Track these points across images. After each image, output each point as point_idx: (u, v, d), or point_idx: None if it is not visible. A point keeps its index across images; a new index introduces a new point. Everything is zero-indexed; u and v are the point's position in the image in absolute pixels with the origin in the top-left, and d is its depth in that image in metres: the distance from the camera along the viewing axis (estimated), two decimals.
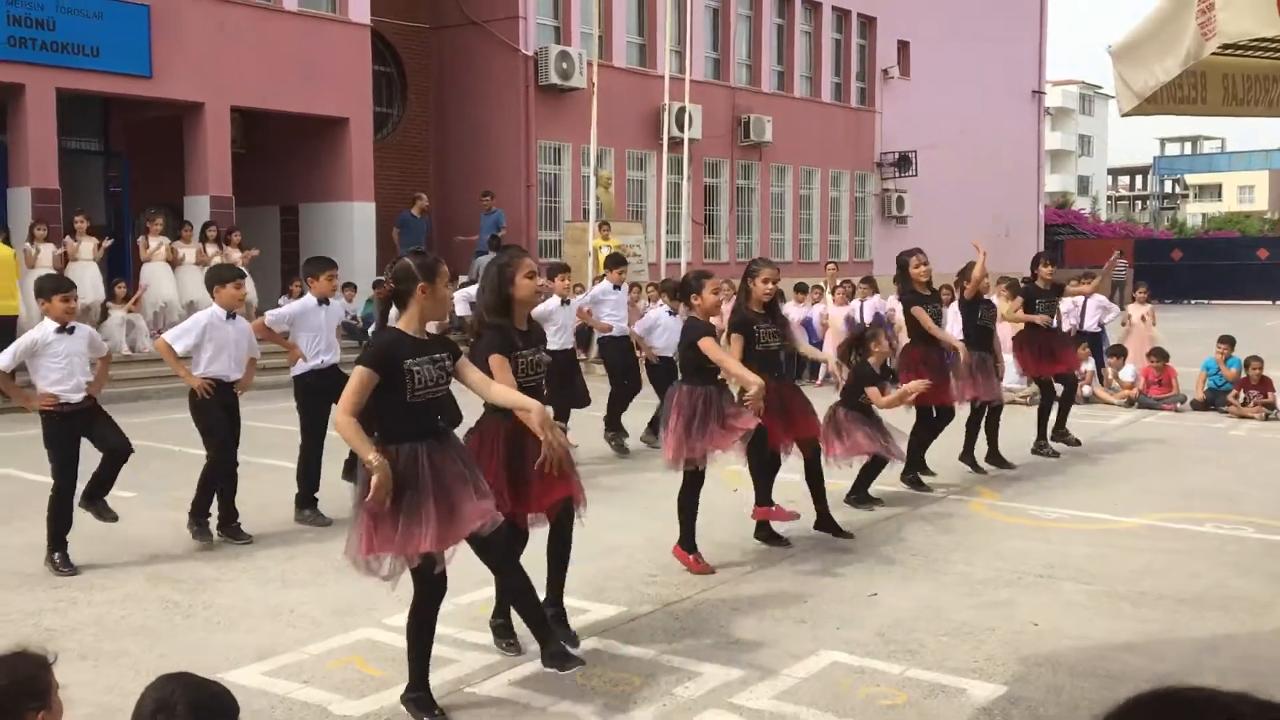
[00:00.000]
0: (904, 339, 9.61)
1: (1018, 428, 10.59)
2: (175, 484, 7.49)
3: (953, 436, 9.30)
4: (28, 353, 6.64)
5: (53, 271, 14.60)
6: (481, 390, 4.73)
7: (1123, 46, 5.43)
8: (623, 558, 6.81)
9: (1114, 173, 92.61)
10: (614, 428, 10.56)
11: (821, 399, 8.49)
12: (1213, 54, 5.48)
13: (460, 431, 5.07)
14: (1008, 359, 10.51)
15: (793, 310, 16.58)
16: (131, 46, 16.14)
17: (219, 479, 7.25)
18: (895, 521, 7.81)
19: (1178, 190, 77.00)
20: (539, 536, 5.34)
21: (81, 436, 6.75)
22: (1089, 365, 14.19)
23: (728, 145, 25.80)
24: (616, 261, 11.10)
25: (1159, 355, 13.83)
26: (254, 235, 17.93)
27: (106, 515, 6.88)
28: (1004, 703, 4.73)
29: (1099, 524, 7.84)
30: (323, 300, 7.93)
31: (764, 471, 6.79)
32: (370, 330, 5.07)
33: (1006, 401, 10.21)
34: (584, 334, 12.80)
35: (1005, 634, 5.54)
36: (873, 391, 7.82)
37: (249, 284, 16.38)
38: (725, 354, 6.56)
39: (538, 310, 9.31)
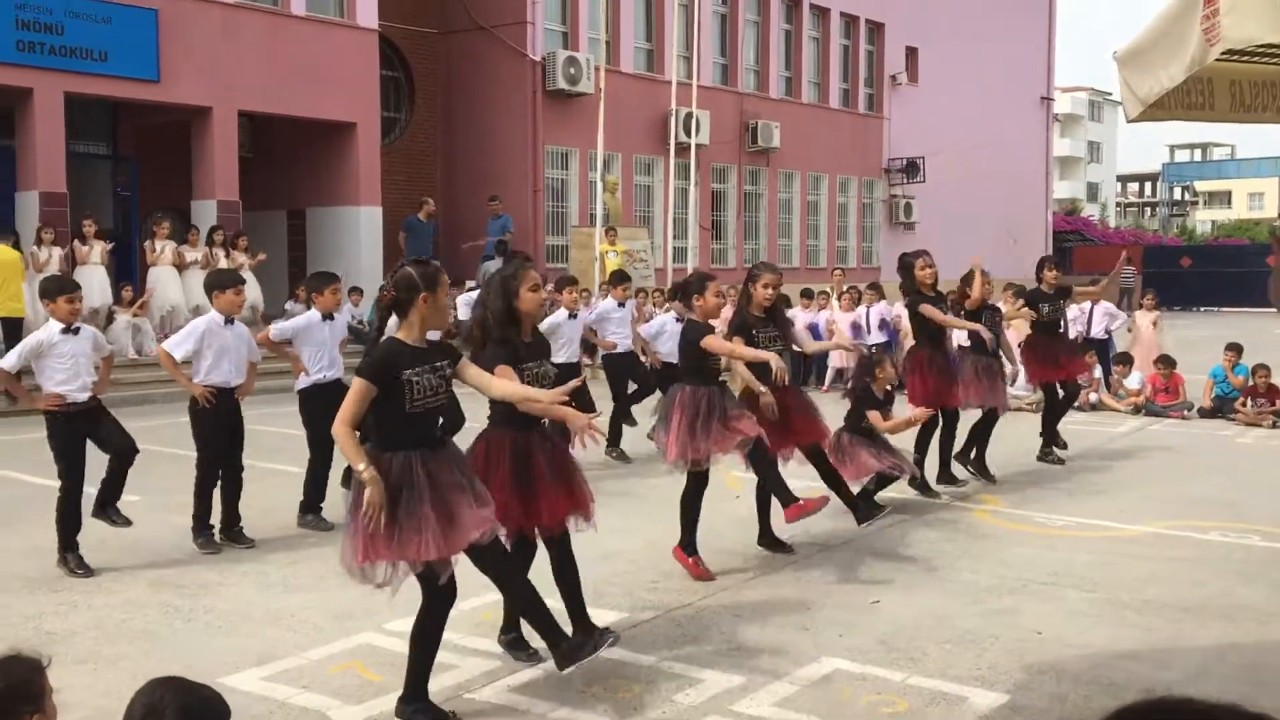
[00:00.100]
0: (909, 344, 9.59)
1: (1023, 434, 10.56)
2: (180, 488, 7.48)
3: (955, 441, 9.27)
4: (33, 353, 6.65)
5: (57, 273, 14.68)
6: (484, 388, 4.71)
7: (1128, 52, 5.42)
8: (623, 563, 6.79)
9: (1123, 179, 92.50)
10: (615, 444, 10.56)
11: (828, 404, 8.47)
12: (1220, 60, 5.47)
13: (464, 435, 5.06)
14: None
15: (799, 316, 16.57)
16: (139, 51, 16.19)
17: (213, 486, 7.25)
18: (900, 528, 7.78)
19: (1187, 197, 76.80)
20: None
21: (86, 438, 6.75)
22: (1095, 373, 14.15)
23: (735, 151, 25.79)
24: (620, 279, 11.11)
25: (1166, 363, 13.78)
26: (261, 240, 17.95)
27: (119, 521, 6.90)
28: (1006, 711, 4.71)
29: (1104, 532, 7.80)
30: (327, 315, 7.90)
31: (774, 476, 6.67)
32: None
33: (1013, 409, 10.16)
34: (588, 342, 12.76)
35: (1008, 642, 5.51)
36: (874, 415, 7.88)
37: (255, 288, 16.59)
38: (731, 343, 6.49)
39: (544, 324, 9.36)
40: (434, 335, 4.76)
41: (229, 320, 7.29)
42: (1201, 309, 37.62)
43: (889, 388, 8.10)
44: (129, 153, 19.32)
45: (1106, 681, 5.06)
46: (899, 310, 13.28)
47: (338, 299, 8.05)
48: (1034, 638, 5.58)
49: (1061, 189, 69.98)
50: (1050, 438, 10.38)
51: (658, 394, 11.20)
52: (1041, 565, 6.85)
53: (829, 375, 16.24)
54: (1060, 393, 10.47)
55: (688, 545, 6.60)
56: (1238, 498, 8.90)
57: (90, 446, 6.83)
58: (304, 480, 7.94)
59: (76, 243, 15.19)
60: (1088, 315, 14.83)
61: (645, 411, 10.89)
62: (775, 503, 6.93)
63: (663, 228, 22.57)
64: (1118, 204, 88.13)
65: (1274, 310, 34.00)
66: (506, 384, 4.74)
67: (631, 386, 11.11)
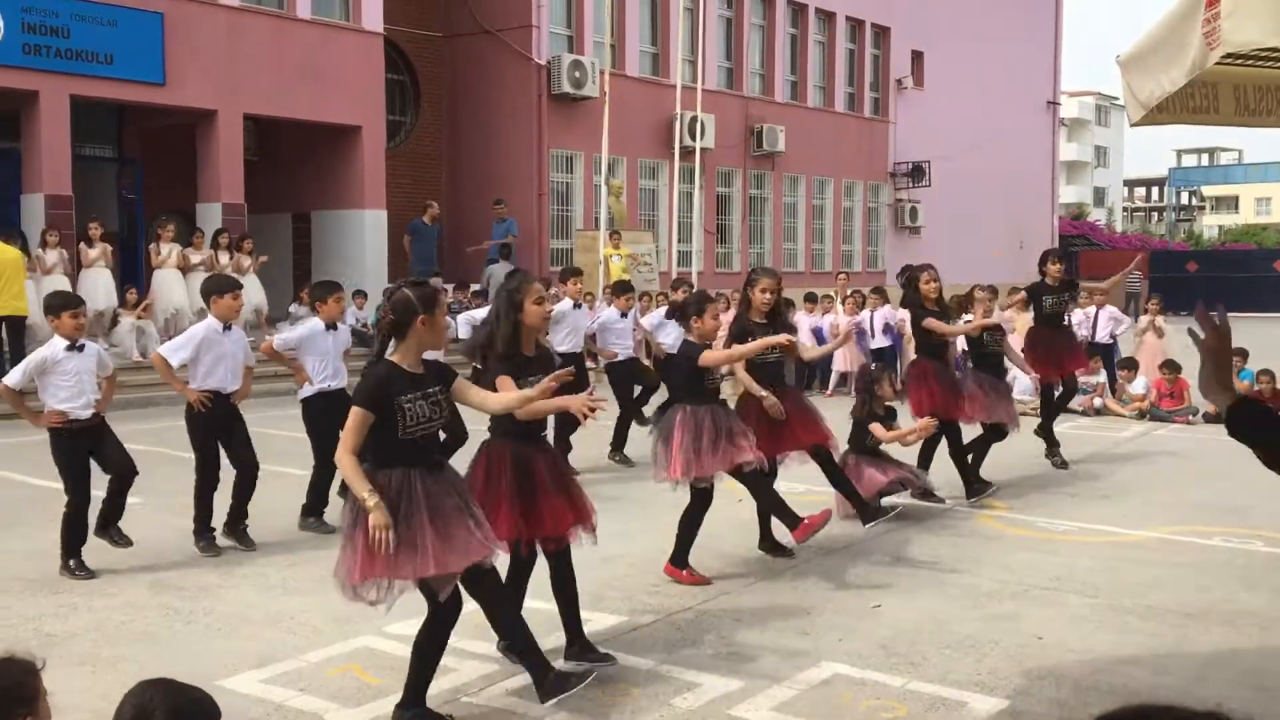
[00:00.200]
0: (911, 352, 9.57)
1: (1025, 439, 10.50)
2: (182, 490, 7.48)
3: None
4: (38, 370, 6.64)
5: (65, 283, 14.71)
6: (484, 406, 4.71)
7: (1131, 56, 5.41)
8: (624, 567, 6.78)
9: (1130, 184, 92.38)
10: (619, 448, 10.56)
11: (832, 409, 8.47)
12: (1224, 64, 5.45)
13: (467, 448, 5.05)
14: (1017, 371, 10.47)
15: (803, 320, 16.55)
16: (145, 54, 16.23)
17: (213, 489, 7.24)
18: (901, 533, 7.76)
19: (1194, 202, 76.71)
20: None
21: (89, 453, 6.74)
22: (1100, 377, 14.12)
23: (740, 155, 25.79)
24: (623, 289, 11.10)
25: (1171, 367, 13.75)
26: (266, 243, 17.99)
27: (121, 541, 6.86)
28: (1006, 716, 4.69)
29: (1107, 537, 7.78)
30: (330, 325, 7.89)
31: (774, 500, 6.65)
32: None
33: (1018, 413, 10.10)
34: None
35: (1009, 647, 5.50)
36: (876, 428, 7.95)
37: (259, 291, 16.62)
38: (728, 350, 6.47)
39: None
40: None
41: (227, 326, 7.28)
42: None
43: (888, 405, 8.12)
44: (134, 155, 19.36)
45: (1107, 687, 5.04)
46: (904, 314, 13.25)
47: (341, 308, 8.05)
48: (1035, 643, 5.56)
49: (1068, 193, 69.86)
50: (1048, 436, 10.36)
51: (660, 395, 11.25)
52: (1044, 570, 6.83)
53: (833, 379, 16.23)
54: (1059, 390, 10.46)
55: (678, 560, 6.55)
56: (1242, 503, 8.86)
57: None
58: (307, 486, 7.96)
59: (82, 245, 15.21)
60: (1093, 320, 14.81)
61: (649, 411, 10.95)
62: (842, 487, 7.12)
63: (667, 231, 22.56)
64: (1124, 209, 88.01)
65: None
66: (503, 396, 4.74)
67: (635, 391, 11.10)
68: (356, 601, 4.47)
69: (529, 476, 4.99)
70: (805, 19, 27.66)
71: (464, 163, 22.61)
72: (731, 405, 6.72)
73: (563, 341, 9.99)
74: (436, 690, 4.82)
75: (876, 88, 30.09)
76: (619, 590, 6.34)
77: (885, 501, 7.98)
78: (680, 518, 6.56)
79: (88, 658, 5.32)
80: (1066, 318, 10.62)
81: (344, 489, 7.37)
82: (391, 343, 4.49)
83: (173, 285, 15.81)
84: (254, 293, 16.39)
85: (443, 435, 5.45)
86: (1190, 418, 13.33)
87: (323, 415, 7.63)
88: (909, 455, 8.64)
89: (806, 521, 6.48)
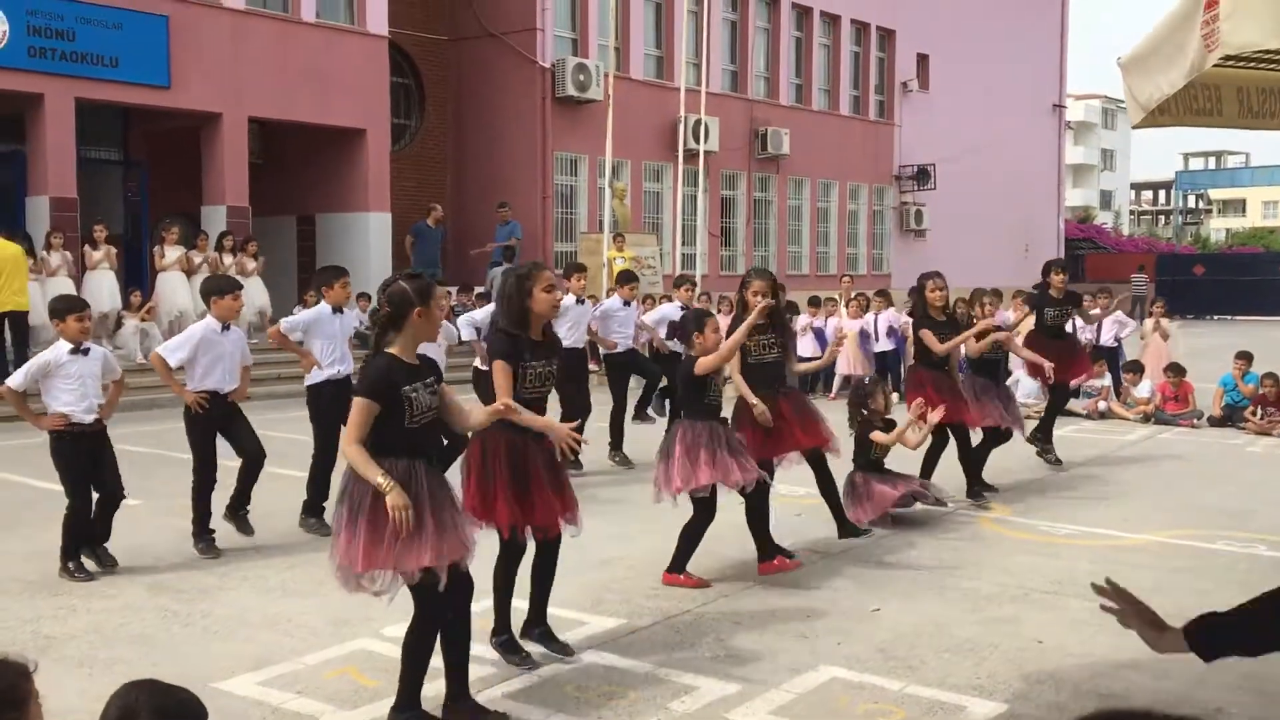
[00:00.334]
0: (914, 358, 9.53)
1: (1020, 441, 10.46)
2: (182, 492, 7.47)
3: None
4: (41, 372, 6.63)
5: (69, 284, 14.72)
6: (461, 420, 4.72)
7: (1131, 58, 5.40)
8: (623, 569, 6.76)
9: (1136, 187, 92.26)
10: (618, 447, 10.55)
11: (836, 412, 8.45)
12: (1227, 66, 5.44)
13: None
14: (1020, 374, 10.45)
15: (806, 322, 16.53)
16: (150, 57, 16.26)
17: (210, 490, 7.24)
18: (902, 536, 7.74)
19: (1201, 205, 76.54)
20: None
21: (88, 458, 6.73)
22: (1105, 380, 14.09)
23: (745, 158, 25.79)
24: (628, 278, 11.07)
25: (1175, 371, 13.71)
26: (271, 245, 18.01)
27: (106, 561, 6.80)
28: None
29: (1109, 540, 7.76)
30: (337, 309, 7.92)
31: (761, 528, 6.78)
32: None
33: (1021, 414, 10.07)
34: (593, 345, 12.78)
35: (1008, 651, 5.48)
36: (877, 435, 7.91)
37: (263, 293, 16.63)
38: (719, 352, 6.41)
39: None
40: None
41: (225, 326, 7.28)
42: (1214, 317, 37.44)
43: (887, 418, 8.09)
44: (139, 158, 19.40)
45: (1106, 691, 5.02)
46: (907, 318, 13.24)
47: (347, 292, 8.04)
48: (1034, 646, 5.54)
49: (1075, 197, 69.78)
50: (1046, 435, 10.35)
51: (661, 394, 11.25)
52: (1044, 574, 6.81)
53: (836, 382, 16.20)
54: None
55: (676, 568, 6.53)
56: (1245, 507, 8.83)
57: None
58: (306, 480, 7.92)
59: (86, 247, 15.24)
60: (1097, 323, 14.77)
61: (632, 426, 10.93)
62: (773, 505, 7.02)
63: (672, 234, 22.54)
64: (1131, 212, 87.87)
65: None
66: (479, 412, 4.74)
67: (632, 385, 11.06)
68: (359, 592, 4.46)
69: (524, 467, 5.00)
70: (810, 22, 27.65)
71: (468, 166, 22.63)
72: (729, 409, 6.72)
73: (565, 337, 9.99)
74: (434, 692, 4.81)
75: (881, 90, 30.07)
76: (617, 593, 6.33)
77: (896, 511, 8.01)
78: (682, 529, 6.54)
79: (85, 659, 5.32)
80: (1071, 325, 10.59)
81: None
82: (388, 335, 4.49)
83: (177, 288, 15.82)
84: (258, 295, 16.41)
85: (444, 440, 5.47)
86: (1195, 421, 13.29)
87: (331, 404, 7.60)
88: (912, 464, 8.58)
89: (776, 563, 6.75)
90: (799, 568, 6.81)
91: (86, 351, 6.71)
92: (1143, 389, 13.90)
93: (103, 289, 15.11)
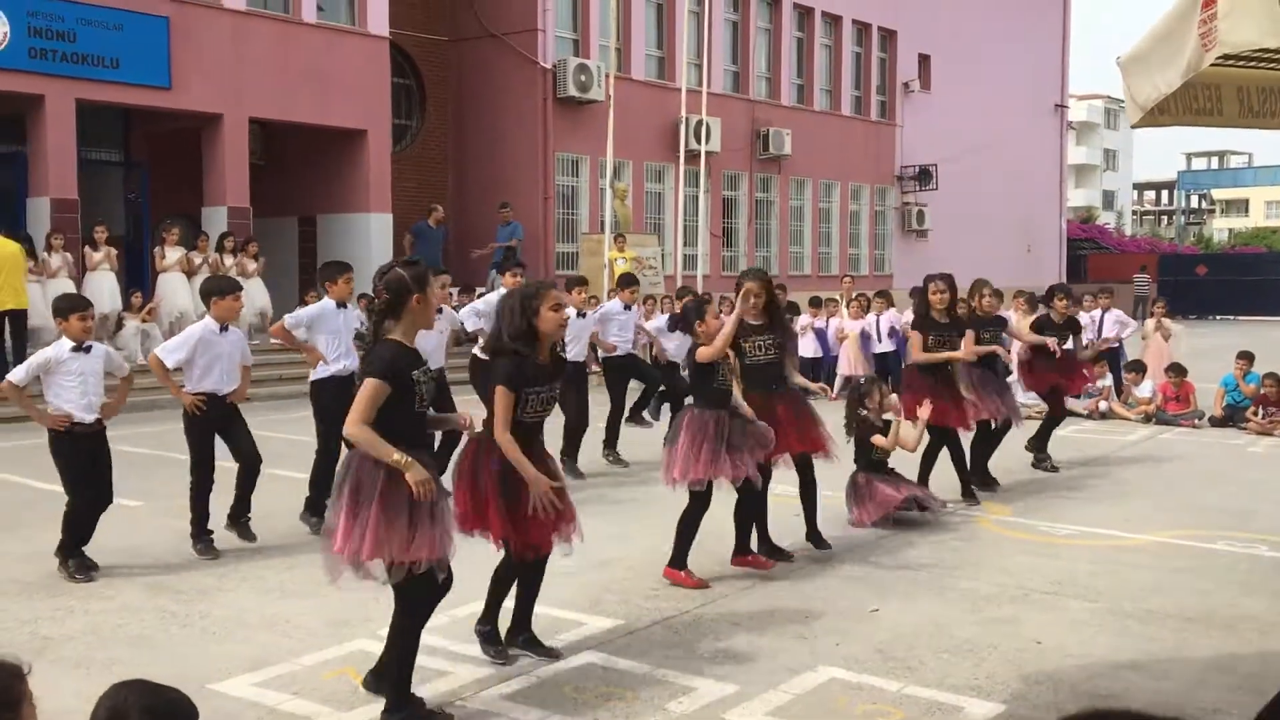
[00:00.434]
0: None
1: (1025, 442, 10.46)
2: (181, 493, 7.46)
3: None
4: (42, 369, 6.63)
5: (69, 285, 14.72)
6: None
7: (1130, 58, 5.38)
8: (622, 570, 6.75)
9: (1139, 187, 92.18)
10: (613, 447, 10.55)
11: (835, 411, 8.43)
12: (1227, 66, 5.43)
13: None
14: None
15: (807, 322, 16.53)
16: (151, 58, 16.26)
17: (209, 491, 7.23)
18: (902, 536, 7.73)
19: (1204, 205, 76.42)
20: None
21: (88, 456, 6.72)
22: (1106, 381, 14.07)
23: (746, 158, 25.77)
24: (628, 281, 11.08)
25: (1177, 371, 13.69)
26: (272, 246, 18.00)
27: (87, 565, 6.70)
28: None
29: (1109, 541, 7.74)
30: (340, 304, 7.91)
31: (743, 524, 6.81)
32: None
33: (1023, 416, 10.05)
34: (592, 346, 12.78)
35: (1007, 651, 5.46)
36: (877, 439, 7.91)
37: (264, 294, 16.63)
38: (716, 343, 6.39)
39: None
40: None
41: (224, 327, 7.26)
42: (1217, 317, 37.41)
43: (886, 418, 8.06)
44: (140, 159, 19.39)
45: (1105, 692, 5.01)
46: (909, 317, 13.22)
47: (350, 288, 8.02)
48: (1033, 647, 5.53)
49: (1077, 197, 69.70)
50: (1041, 444, 10.36)
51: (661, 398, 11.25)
52: (1044, 574, 6.79)
53: (837, 383, 16.16)
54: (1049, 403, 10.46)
55: (677, 562, 6.54)
56: (1246, 507, 8.81)
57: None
58: (310, 477, 7.89)
59: (86, 248, 15.24)
60: (1098, 324, 14.75)
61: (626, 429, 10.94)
62: (771, 505, 7.10)
63: (673, 235, 22.54)
64: (1134, 212, 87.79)
65: None
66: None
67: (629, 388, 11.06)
68: (366, 580, 4.47)
69: (515, 480, 4.95)
70: (811, 22, 27.63)
71: (469, 166, 22.62)
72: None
73: (566, 350, 10.02)
74: (432, 693, 4.82)
75: (883, 91, 30.04)
76: (616, 594, 6.32)
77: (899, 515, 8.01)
78: (679, 519, 6.54)
79: (82, 660, 5.32)
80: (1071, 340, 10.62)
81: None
82: (387, 323, 4.49)
83: (177, 289, 15.83)
84: (259, 296, 16.42)
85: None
86: (1196, 421, 13.27)
87: (334, 400, 7.50)
88: (909, 465, 8.56)
89: (751, 559, 6.80)
90: (769, 569, 6.77)
91: (89, 350, 6.70)
92: (1144, 389, 13.87)
93: (103, 290, 15.11)
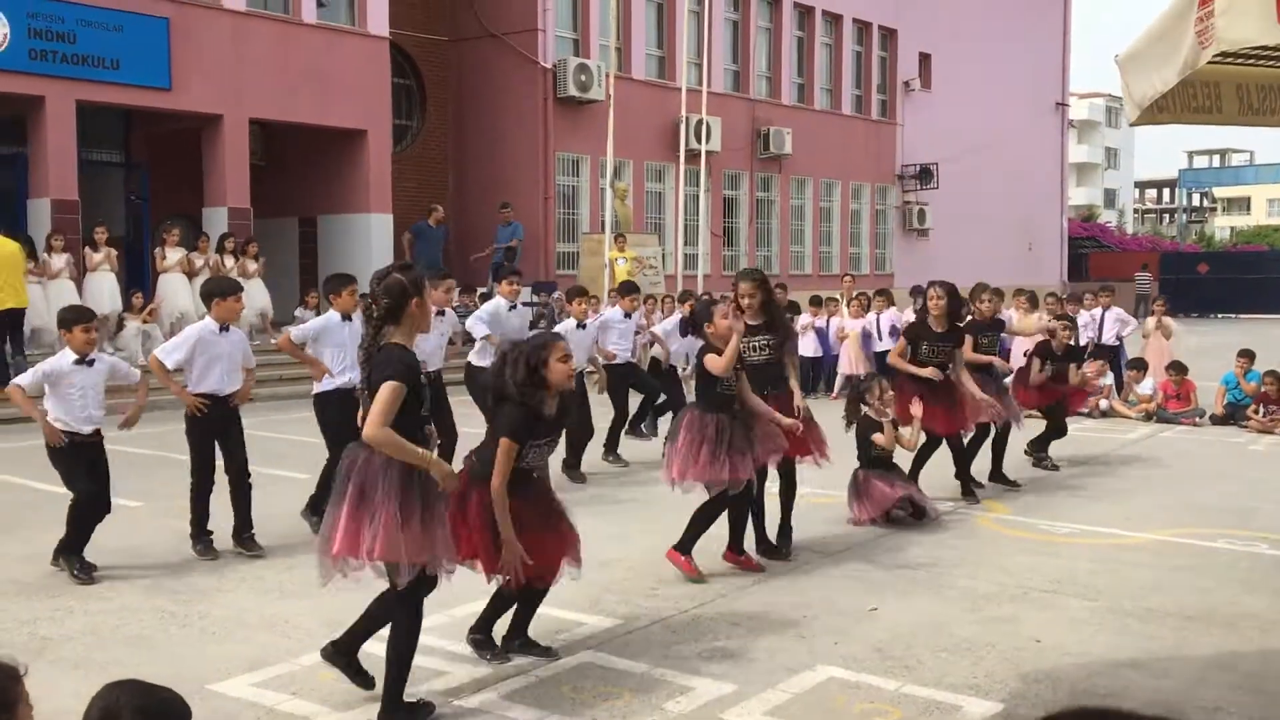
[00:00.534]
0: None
1: (1026, 441, 10.46)
2: (181, 494, 7.46)
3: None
4: (47, 379, 6.64)
5: (70, 286, 14.74)
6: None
7: (1128, 56, 5.38)
8: (622, 570, 6.75)
9: (1141, 186, 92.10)
10: (614, 449, 10.54)
11: (837, 410, 8.40)
12: (1227, 63, 5.43)
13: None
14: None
15: (808, 322, 16.51)
16: (151, 59, 16.26)
17: (208, 492, 7.22)
18: (900, 535, 7.73)
19: (1205, 203, 76.31)
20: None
21: (88, 460, 6.72)
22: (1107, 379, 14.06)
23: (747, 157, 25.76)
24: (629, 289, 11.08)
25: (1177, 369, 13.68)
26: (272, 247, 18.01)
27: (88, 567, 6.67)
28: None
29: (1109, 539, 7.73)
30: (345, 316, 7.87)
31: (738, 521, 6.78)
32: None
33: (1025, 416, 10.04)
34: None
35: (1006, 650, 5.46)
36: (876, 437, 7.90)
37: (264, 295, 16.63)
38: (720, 360, 6.40)
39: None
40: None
41: (224, 327, 7.25)
42: (1219, 315, 37.39)
43: (888, 413, 8.05)
44: (141, 160, 19.40)
45: (1104, 690, 5.00)
46: (909, 316, 13.22)
47: (355, 300, 7.94)
48: (1032, 646, 5.52)
49: (1079, 195, 69.64)
50: (1041, 447, 10.39)
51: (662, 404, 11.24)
52: (1043, 573, 6.79)
53: (838, 382, 16.17)
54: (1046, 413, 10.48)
55: (684, 547, 6.58)
56: (1247, 505, 8.81)
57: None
58: (319, 478, 7.84)
59: (87, 249, 15.24)
60: (1099, 322, 14.75)
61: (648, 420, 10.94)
62: (767, 506, 7.14)
63: (674, 235, 22.54)
64: (1135, 210, 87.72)
65: None
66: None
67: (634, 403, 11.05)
68: (356, 580, 4.51)
69: (517, 516, 4.93)
70: (812, 21, 27.62)
71: (470, 166, 22.63)
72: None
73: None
74: (430, 695, 4.81)
75: (884, 90, 30.03)
76: (615, 593, 6.31)
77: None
78: (699, 507, 6.59)
79: (81, 661, 5.32)
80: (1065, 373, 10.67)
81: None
82: (386, 328, 4.49)
83: (178, 290, 15.83)
84: (259, 297, 16.42)
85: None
86: (1197, 419, 13.26)
87: (339, 414, 7.41)
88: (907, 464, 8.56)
89: (743, 559, 6.77)
90: (758, 570, 6.76)
91: (91, 363, 6.70)
92: (1145, 386, 13.86)
93: (103, 291, 15.12)
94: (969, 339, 8.86)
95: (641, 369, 11.25)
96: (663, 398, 11.15)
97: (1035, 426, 10.43)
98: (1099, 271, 38.36)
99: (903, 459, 8.37)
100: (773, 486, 7.22)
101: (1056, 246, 37.03)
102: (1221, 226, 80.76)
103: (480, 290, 19.35)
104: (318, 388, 7.86)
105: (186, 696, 2.57)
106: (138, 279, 17.60)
